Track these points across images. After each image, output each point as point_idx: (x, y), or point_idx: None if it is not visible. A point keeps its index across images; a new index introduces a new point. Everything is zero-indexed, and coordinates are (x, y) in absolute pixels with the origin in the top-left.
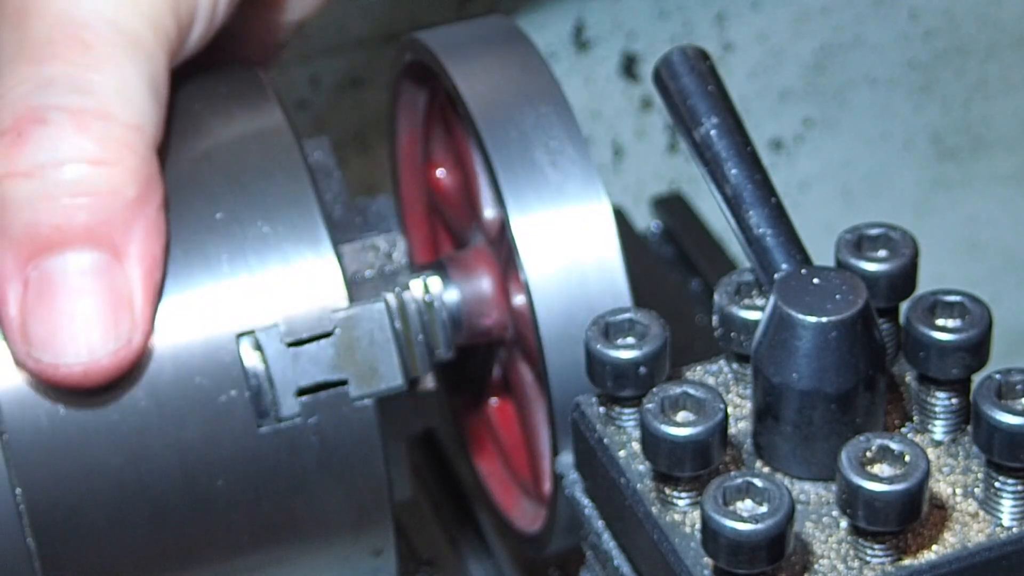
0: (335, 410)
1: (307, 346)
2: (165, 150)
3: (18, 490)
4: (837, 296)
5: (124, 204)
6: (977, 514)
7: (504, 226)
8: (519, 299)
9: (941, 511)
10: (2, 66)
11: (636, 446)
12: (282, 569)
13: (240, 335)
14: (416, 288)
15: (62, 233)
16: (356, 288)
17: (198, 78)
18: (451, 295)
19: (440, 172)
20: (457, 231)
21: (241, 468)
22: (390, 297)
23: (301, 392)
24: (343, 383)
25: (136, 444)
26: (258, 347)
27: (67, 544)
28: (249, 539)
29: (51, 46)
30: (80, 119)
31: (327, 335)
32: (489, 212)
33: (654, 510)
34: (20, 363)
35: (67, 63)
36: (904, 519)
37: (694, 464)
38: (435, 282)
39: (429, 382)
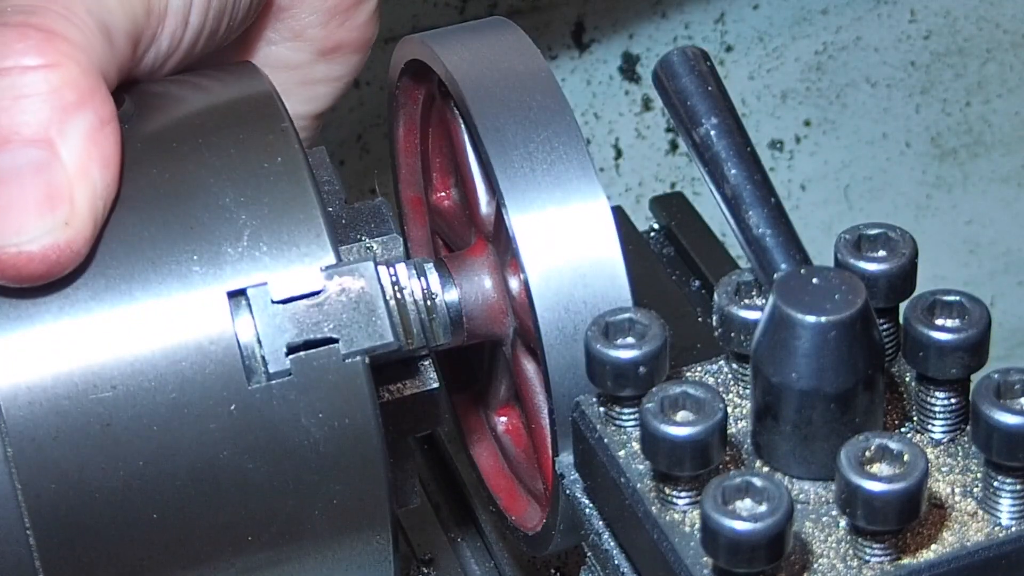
0: (325, 367)
1: (296, 303)
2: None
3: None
4: (836, 296)
5: (63, 106)
6: (976, 513)
7: (503, 225)
8: (519, 296)
9: (940, 510)
10: None
11: (636, 446)
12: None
13: (230, 294)
14: (413, 280)
15: (2, 132)
16: None
17: (203, 76)
18: (451, 294)
19: (439, 172)
20: (456, 231)
21: (232, 428)
22: (383, 269)
23: (291, 350)
24: (333, 341)
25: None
26: (247, 305)
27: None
28: (247, 513)
29: None
30: (22, 30)
31: (316, 293)
32: (488, 211)
33: (654, 510)
34: None
35: None
36: (903, 518)
37: (694, 464)
38: (430, 267)
39: (433, 382)
